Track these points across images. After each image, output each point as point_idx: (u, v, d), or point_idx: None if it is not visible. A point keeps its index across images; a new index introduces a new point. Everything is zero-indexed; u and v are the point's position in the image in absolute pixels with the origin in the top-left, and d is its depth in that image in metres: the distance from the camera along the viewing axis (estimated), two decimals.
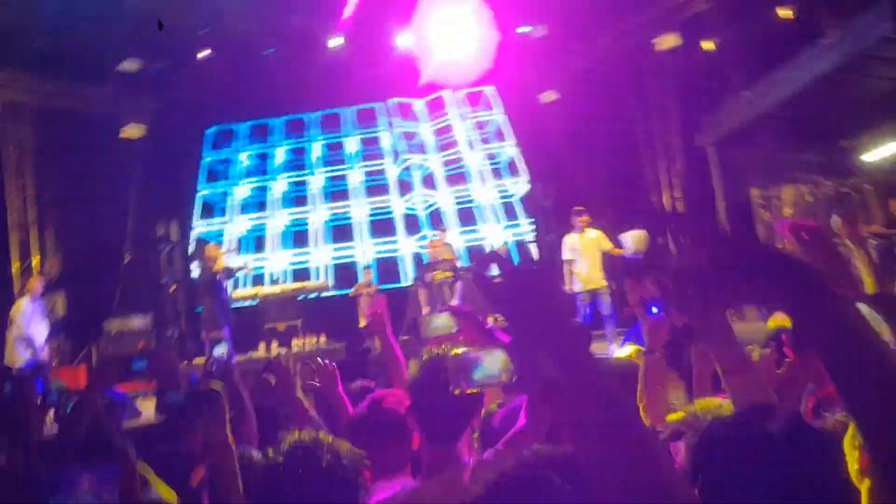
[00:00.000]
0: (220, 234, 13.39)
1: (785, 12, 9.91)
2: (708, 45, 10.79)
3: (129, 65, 11.93)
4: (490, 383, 1.55)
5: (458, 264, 9.57)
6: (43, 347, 8.66)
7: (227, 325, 8.63)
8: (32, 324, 8.64)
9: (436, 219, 12.62)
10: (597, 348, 7.82)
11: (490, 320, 10.37)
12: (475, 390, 1.58)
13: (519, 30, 11.75)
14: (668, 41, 10.74)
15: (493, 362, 1.52)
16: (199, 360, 10.54)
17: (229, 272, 8.92)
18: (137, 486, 1.25)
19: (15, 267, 11.75)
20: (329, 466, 1.62)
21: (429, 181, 13.35)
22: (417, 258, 12.06)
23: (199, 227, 13.39)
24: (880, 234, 9.20)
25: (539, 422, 1.93)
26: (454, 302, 9.33)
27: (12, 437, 2.51)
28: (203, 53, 11.97)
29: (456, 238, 11.84)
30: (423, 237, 12.34)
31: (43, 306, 9.02)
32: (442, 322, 2.54)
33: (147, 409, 7.05)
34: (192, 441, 2.40)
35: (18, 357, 8.41)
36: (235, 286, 12.85)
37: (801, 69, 9.30)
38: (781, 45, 9.85)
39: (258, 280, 12.85)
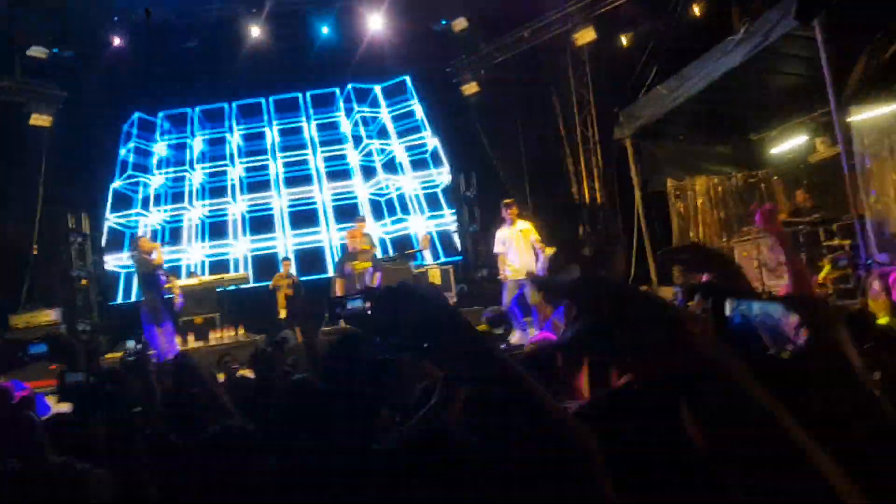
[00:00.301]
0: (134, 226, 12.98)
1: (696, 9, 10.21)
2: (624, 39, 11.03)
3: (37, 51, 11.44)
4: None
5: (377, 254, 9.53)
6: None
7: (168, 319, 8.47)
8: None
9: (354, 209, 12.58)
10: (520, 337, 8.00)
11: None
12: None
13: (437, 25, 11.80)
14: (585, 35, 10.93)
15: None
16: (113, 355, 10.22)
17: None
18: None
19: None
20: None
21: (351, 173, 13.30)
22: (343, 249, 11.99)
23: (113, 218, 12.94)
24: (787, 223, 9.60)
25: None
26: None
27: None
28: (117, 41, 11.59)
29: (374, 228, 11.81)
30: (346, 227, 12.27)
31: None
32: (358, 304, 2.53)
33: (57, 404, 6.84)
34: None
35: None
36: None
37: (711, 65, 9.59)
38: (694, 41, 10.15)
39: (175, 272, 12.50)
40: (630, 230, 11.17)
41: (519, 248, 8.68)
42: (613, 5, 10.86)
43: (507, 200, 9.07)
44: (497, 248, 8.80)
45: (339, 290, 9.53)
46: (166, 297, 8.56)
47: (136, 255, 8.72)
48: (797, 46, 8.90)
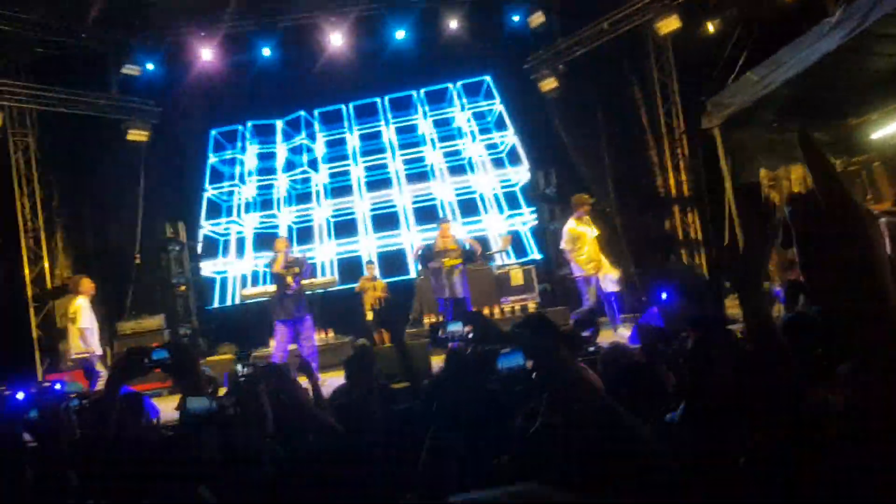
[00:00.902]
0: (226, 234, 13.51)
1: None
2: (711, 26, 10.59)
3: (131, 69, 12.03)
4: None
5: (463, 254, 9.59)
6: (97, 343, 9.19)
7: (285, 318, 8.74)
8: (91, 320, 9.09)
9: (437, 211, 12.67)
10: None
11: (497, 311, 10.37)
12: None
13: (517, 16, 11.64)
14: (669, 24, 10.56)
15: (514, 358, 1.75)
16: (212, 358, 10.72)
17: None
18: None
19: (27, 272, 11.95)
20: None
21: (431, 174, 13.35)
22: (426, 250, 12.08)
23: (207, 227, 13.51)
24: (890, 212, 9.05)
25: None
26: (459, 289, 9.36)
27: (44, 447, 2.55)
28: (205, 55, 12.04)
29: (459, 229, 11.83)
30: (427, 229, 12.36)
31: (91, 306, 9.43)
32: (458, 328, 2.60)
33: (165, 407, 7.23)
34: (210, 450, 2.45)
35: (83, 347, 8.92)
36: (244, 285, 13.01)
37: (806, 49, 9.11)
38: (785, 25, 9.66)
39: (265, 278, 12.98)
40: (721, 224, 10.79)
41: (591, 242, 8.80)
42: None
43: (585, 197, 9.09)
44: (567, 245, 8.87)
45: (430, 285, 9.67)
46: (289, 294, 8.81)
47: (275, 253, 9.02)
48: None
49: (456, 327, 2.50)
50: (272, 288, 11.86)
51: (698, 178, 11.69)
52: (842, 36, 8.54)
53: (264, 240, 13.46)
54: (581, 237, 8.80)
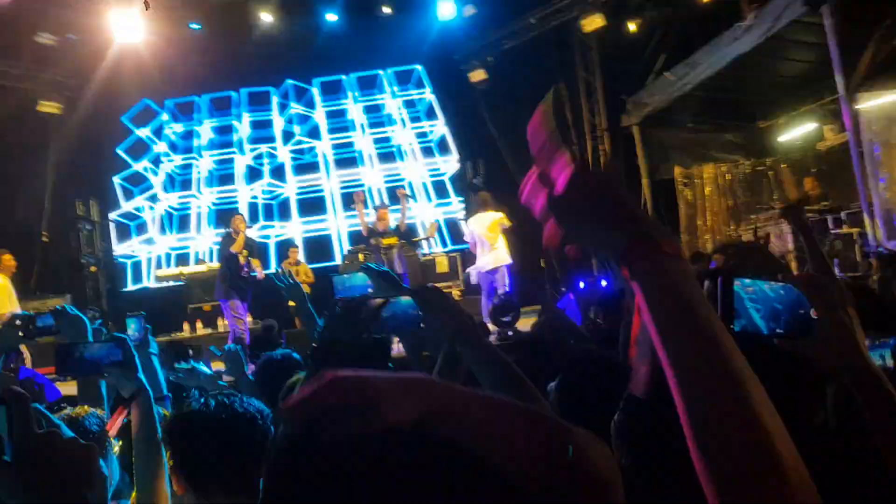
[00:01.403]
0: (141, 212, 13.03)
1: None
2: (632, 26, 10.98)
3: (45, 37, 11.45)
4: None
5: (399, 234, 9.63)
6: None
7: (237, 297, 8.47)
8: (12, 300, 8.46)
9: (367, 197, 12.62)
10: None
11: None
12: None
13: (447, 10, 11.75)
14: (593, 22, 10.88)
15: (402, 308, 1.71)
16: None
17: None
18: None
19: None
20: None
21: (360, 159, 13.30)
22: (355, 235, 11.98)
23: (121, 205, 12.99)
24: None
25: None
26: (398, 267, 9.39)
27: None
28: (123, 27, 11.56)
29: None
30: (354, 215, 12.27)
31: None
32: (358, 280, 2.57)
33: (66, 389, 6.90)
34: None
35: None
36: (159, 266, 12.57)
37: (720, 52, 9.56)
38: (702, 27, 10.11)
39: (183, 259, 12.58)
40: None
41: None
42: None
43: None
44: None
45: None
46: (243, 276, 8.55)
47: (228, 230, 8.74)
48: (806, 33, 8.87)
49: (357, 281, 2.51)
50: (189, 269, 11.58)
51: (617, 174, 12.07)
52: (753, 40, 9.00)
53: (184, 220, 13.07)
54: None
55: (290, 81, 13.40)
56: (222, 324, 10.61)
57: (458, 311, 1.60)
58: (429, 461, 0.58)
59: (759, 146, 11.85)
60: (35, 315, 2.73)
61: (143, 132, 13.25)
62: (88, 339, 2.46)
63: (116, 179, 12.95)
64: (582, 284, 8.49)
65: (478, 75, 12.04)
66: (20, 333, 2.66)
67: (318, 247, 12.55)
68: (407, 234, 9.62)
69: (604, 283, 8.15)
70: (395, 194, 10.01)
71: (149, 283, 12.54)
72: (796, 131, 11.44)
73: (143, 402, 1.71)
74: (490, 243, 9.00)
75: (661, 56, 11.03)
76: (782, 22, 8.47)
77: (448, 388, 0.63)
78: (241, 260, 8.44)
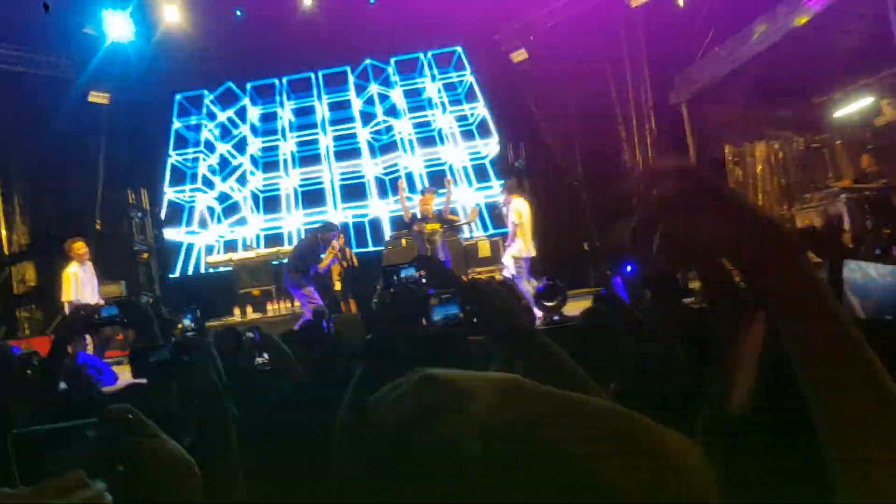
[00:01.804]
0: (192, 201, 13.28)
1: None
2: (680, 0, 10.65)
3: (93, 29, 11.67)
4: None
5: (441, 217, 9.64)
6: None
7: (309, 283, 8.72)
8: (85, 288, 8.61)
9: (407, 181, 12.62)
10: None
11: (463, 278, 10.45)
12: None
13: None
14: None
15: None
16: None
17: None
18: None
19: None
20: None
21: (401, 144, 13.27)
22: (396, 220, 12.02)
23: (170, 193, 13.25)
24: (851, 188, 9.27)
25: None
26: (441, 255, 9.43)
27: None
28: (171, 18, 11.72)
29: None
30: (397, 200, 12.31)
31: (90, 270, 8.96)
32: (411, 273, 2.55)
33: (125, 375, 7.11)
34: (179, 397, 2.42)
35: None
36: (209, 252, 12.82)
37: (773, 25, 9.23)
38: (753, 1, 9.77)
39: (231, 246, 12.81)
40: None
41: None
42: None
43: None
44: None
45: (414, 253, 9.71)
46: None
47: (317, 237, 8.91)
48: (863, 4, 8.51)
49: (409, 272, 2.49)
50: (238, 255, 11.77)
51: (664, 153, 11.80)
52: (809, 11, 8.66)
53: (233, 207, 13.29)
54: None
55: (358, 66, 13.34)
56: (271, 308, 10.81)
57: (511, 309, 1.54)
58: (523, 467, 0.57)
59: (813, 123, 11.43)
60: (100, 306, 2.81)
61: (190, 121, 13.46)
62: (154, 329, 2.53)
63: (172, 158, 13.20)
64: (629, 268, 8.37)
65: (519, 55, 11.85)
66: (85, 323, 2.72)
67: (361, 233, 12.64)
68: (449, 220, 9.60)
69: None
70: (442, 182, 10.01)
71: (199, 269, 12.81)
72: (852, 107, 11.00)
73: (215, 401, 1.74)
74: (513, 231, 8.88)
75: (711, 31, 10.68)
76: None
77: (546, 392, 0.62)
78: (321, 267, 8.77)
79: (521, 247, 8.76)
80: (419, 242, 9.54)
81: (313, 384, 2.60)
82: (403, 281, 2.48)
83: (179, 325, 3.67)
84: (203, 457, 1.71)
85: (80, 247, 8.84)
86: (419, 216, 9.36)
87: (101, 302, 8.66)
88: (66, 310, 8.73)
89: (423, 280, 2.43)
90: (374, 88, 13.43)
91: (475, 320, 1.59)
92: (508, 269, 8.97)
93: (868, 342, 0.68)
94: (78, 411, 2.35)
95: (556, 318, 7.57)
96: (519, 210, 8.71)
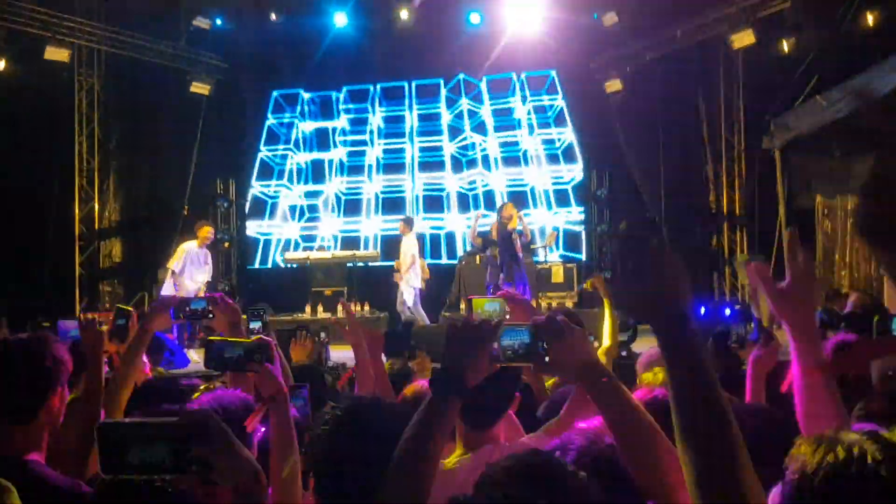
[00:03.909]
0: (276, 196, 13.63)
1: (869, 18, 9.57)
2: (785, 45, 10.48)
3: (202, 21, 12.14)
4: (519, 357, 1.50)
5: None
6: (194, 291, 8.88)
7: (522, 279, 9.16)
8: (189, 268, 9.05)
9: (487, 198, 12.72)
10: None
11: (544, 304, 10.48)
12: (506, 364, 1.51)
13: (594, 15, 11.56)
14: (743, 38, 10.44)
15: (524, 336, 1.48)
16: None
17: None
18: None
19: (77, 211, 12.14)
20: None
21: (484, 161, 13.35)
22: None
23: (257, 187, 13.63)
24: None
25: (577, 412, 1.93)
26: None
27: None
28: (274, 16, 12.10)
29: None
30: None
31: (205, 255, 9.34)
32: (495, 308, 2.47)
33: (196, 358, 7.31)
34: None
35: (170, 290, 8.95)
36: (287, 248, 13.12)
37: (879, 79, 8.98)
38: (860, 52, 9.53)
39: (309, 244, 13.10)
40: (768, 248, 10.70)
41: None
42: (778, 8, 10.31)
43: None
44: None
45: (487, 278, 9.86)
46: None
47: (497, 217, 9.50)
48: None
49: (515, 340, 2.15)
50: (315, 254, 12.02)
51: (752, 198, 11.59)
52: None
53: (311, 206, 13.58)
54: None
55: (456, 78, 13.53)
56: (342, 310, 10.97)
57: (587, 349, 1.50)
58: None
59: None
60: (191, 299, 2.91)
61: (283, 118, 13.82)
62: (240, 327, 2.62)
63: (262, 153, 13.58)
64: (703, 310, 8.22)
65: (613, 85, 11.81)
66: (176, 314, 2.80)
67: (436, 244, 12.77)
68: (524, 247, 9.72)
69: (727, 311, 7.86)
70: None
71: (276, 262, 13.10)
72: None
73: (281, 404, 1.76)
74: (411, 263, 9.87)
75: (814, 78, 10.45)
76: None
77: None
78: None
79: (417, 277, 9.93)
80: (491, 266, 9.64)
81: None
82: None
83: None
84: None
85: (206, 231, 9.31)
86: (491, 239, 9.49)
87: (200, 286, 8.96)
88: (162, 276, 9.30)
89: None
90: (464, 103, 13.55)
91: (546, 358, 1.47)
92: (407, 297, 9.87)
93: None
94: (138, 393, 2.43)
95: (623, 353, 7.49)
96: (412, 245, 9.92)
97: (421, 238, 12.43)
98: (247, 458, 1.20)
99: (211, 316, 2.62)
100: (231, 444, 1.17)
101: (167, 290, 9.04)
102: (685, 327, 1.08)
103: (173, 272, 9.01)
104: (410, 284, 10.00)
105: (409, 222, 10.33)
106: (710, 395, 1.03)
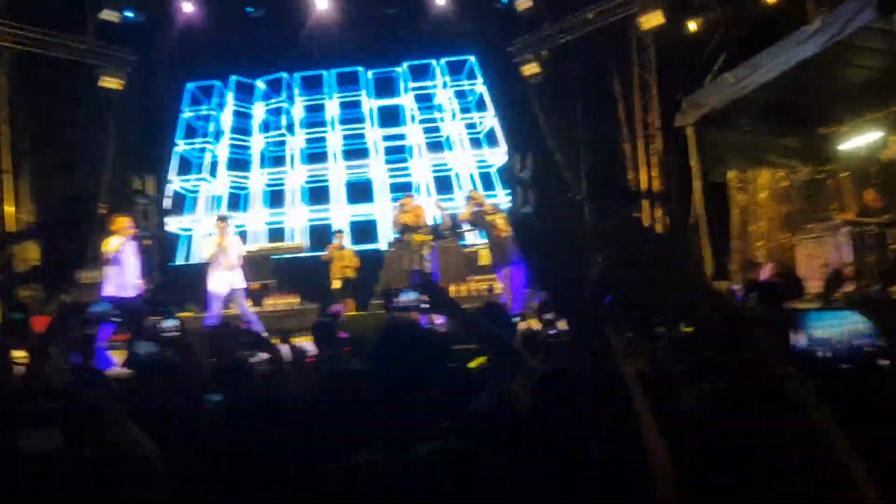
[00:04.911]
0: (196, 191, 13.35)
1: None
2: (692, 24, 10.73)
3: (110, 14, 11.78)
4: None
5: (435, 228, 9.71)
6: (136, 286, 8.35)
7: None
8: (128, 262, 8.60)
9: (411, 186, 12.71)
10: None
11: (453, 289, 10.50)
12: None
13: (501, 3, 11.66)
14: (652, 19, 10.68)
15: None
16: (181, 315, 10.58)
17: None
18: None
19: None
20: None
21: (408, 148, 13.36)
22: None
23: (176, 182, 13.34)
24: (854, 222, 9.30)
25: None
26: (428, 264, 9.50)
27: None
28: (187, 7, 11.82)
29: (428, 203, 11.87)
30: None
31: (135, 245, 8.88)
32: (412, 297, 2.57)
33: (119, 360, 7.15)
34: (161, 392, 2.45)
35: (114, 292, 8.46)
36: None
37: (783, 54, 9.26)
38: (765, 29, 9.82)
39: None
40: (687, 221, 10.98)
41: None
42: None
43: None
44: None
45: (403, 262, 9.77)
46: None
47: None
48: (875, 39, 8.52)
49: (409, 296, 2.50)
50: (247, 247, 11.81)
51: (669, 174, 11.88)
52: (819, 44, 8.69)
53: (234, 199, 13.36)
54: None
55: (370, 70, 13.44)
56: (268, 303, 10.84)
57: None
58: None
59: (818, 153, 11.46)
60: (88, 303, 2.84)
61: (200, 110, 13.55)
62: (144, 325, 2.58)
63: (179, 148, 13.27)
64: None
65: (531, 69, 11.94)
66: (77, 321, 2.74)
67: (364, 232, 12.71)
68: (436, 230, 9.72)
69: None
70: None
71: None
72: (859, 140, 11.04)
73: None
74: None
75: (721, 56, 10.74)
76: (851, 28, 8.15)
77: None
78: None
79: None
80: (407, 253, 9.60)
81: None
82: (407, 305, 2.51)
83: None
84: None
85: (121, 220, 8.78)
86: (409, 225, 9.45)
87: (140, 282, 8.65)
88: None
89: (424, 305, 2.47)
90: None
91: None
92: (243, 301, 9.28)
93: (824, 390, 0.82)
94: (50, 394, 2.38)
95: (552, 331, 7.61)
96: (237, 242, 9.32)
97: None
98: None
99: (117, 317, 2.58)
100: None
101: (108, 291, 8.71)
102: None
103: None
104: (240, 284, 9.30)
105: (225, 220, 9.60)
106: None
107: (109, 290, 8.33)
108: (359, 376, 2.06)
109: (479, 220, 8.97)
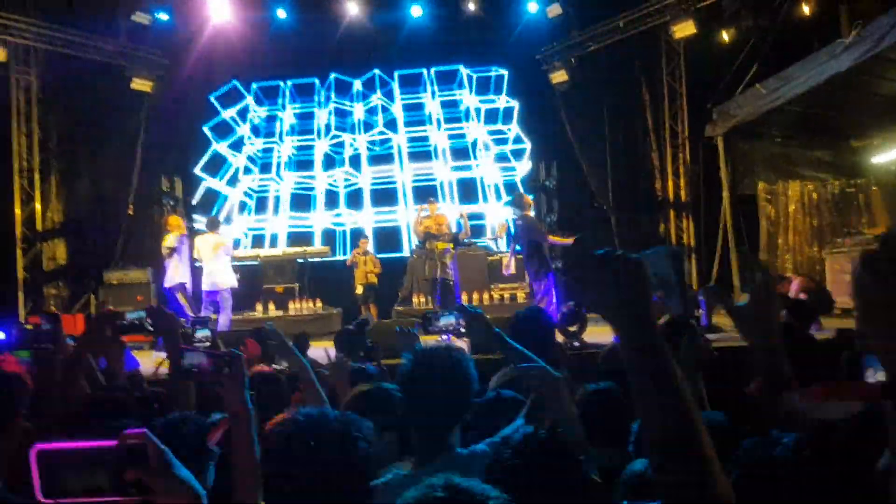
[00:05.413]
0: (223, 193, 13.42)
1: (805, 7, 9.77)
2: (725, 35, 10.65)
3: (141, 17, 11.87)
4: None
5: (455, 236, 9.71)
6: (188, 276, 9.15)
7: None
8: (183, 255, 9.09)
9: (436, 192, 12.72)
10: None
11: (486, 297, 10.47)
12: None
13: (533, 8, 11.63)
14: (684, 28, 10.60)
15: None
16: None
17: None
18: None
19: (17, 212, 11.82)
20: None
21: (434, 154, 13.34)
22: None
23: (204, 184, 13.41)
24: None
25: None
26: (450, 272, 9.50)
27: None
28: (218, 10, 11.89)
29: (451, 211, 11.84)
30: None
31: (186, 245, 9.22)
32: (451, 321, 2.57)
33: (145, 362, 7.19)
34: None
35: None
36: (236, 247, 12.95)
37: (817, 67, 9.17)
38: (798, 41, 9.73)
39: (259, 241, 12.95)
40: (714, 233, 10.88)
41: None
42: None
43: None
44: None
45: (425, 268, 9.80)
46: None
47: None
48: None
49: (448, 320, 2.50)
50: (266, 252, 11.89)
51: (696, 185, 11.79)
52: (853, 58, 8.60)
53: (262, 202, 13.43)
54: None
55: (376, 71, 13.48)
56: (293, 307, 10.88)
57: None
58: None
59: (849, 166, 11.33)
60: (124, 312, 2.84)
61: (229, 113, 13.62)
62: (178, 337, 2.57)
63: (208, 150, 13.37)
64: None
65: (559, 76, 11.91)
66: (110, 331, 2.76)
67: (388, 238, 12.71)
68: (456, 237, 9.75)
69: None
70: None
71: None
72: (890, 154, 10.90)
73: (243, 421, 1.70)
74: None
75: (753, 67, 10.64)
76: (886, 42, 8.07)
77: None
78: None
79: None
80: (430, 261, 9.62)
81: None
82: (445, 329, 2.52)
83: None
84: None
85: (173, 219, 9.39)
86: (433, 233, 9.46)
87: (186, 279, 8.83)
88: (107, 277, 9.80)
89: (462, 331, 2.47)
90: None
91: None
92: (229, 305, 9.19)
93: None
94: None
95: (576, 343, 7.56)
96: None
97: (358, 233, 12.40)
98: (185, 479, 1.17)
99: (150, 327, 2.59)
100: (169, 465, 1.15)
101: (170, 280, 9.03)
102: (651, 331, 1.01)
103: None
104: (230, 286, 9.26)
105: (213, 223, 9.63)
106: (674, 403, 0.97)
107: (175, 278, 8.92)
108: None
109: (532, 224, 8.72)
